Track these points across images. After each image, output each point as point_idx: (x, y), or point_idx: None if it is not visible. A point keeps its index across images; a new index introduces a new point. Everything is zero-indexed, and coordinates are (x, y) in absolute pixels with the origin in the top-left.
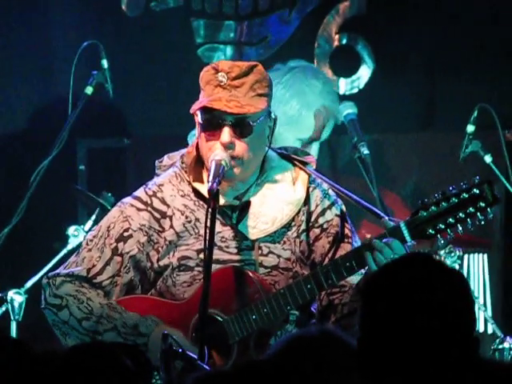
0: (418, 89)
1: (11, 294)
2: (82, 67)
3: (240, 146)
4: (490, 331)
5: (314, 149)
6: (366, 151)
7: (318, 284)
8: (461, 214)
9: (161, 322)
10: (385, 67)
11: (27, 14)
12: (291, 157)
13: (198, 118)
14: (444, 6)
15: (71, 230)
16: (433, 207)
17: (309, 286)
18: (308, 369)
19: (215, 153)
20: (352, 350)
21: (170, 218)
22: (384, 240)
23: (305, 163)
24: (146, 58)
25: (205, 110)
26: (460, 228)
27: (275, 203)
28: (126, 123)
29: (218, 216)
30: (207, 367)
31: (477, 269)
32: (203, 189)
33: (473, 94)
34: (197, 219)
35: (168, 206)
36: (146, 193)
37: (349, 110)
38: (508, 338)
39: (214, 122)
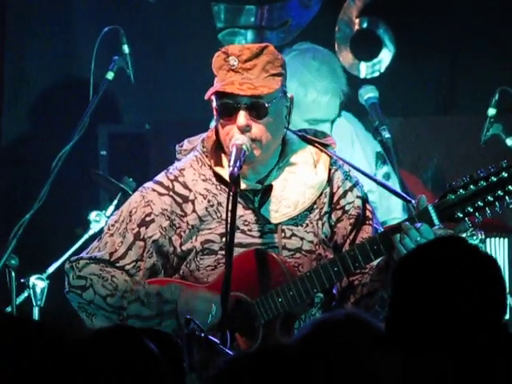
0: (439, 72)
1: (33, 279)
2: (103, 52)
3: (257, 128)
4: (509, 315)
5: (324, 129)
6: (387, 135)
7: (345, 267)
8: (489, 198)
9: (184, 287)
10: (406, 51)
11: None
12: (312, 139)
13: (214, 104)
14: None
15: (93, 215)
16: (461, 190)
17: (336, 269)
18: (334, 352)
19: (236, 137)
20: (377, 333)
21: (193, 202)
22: (412, 224)
23: (325, 145)
24: (167, 44)
25: (219, 95)
26: (488, 211)
27: (297, 187)
28: (146, 108)
29: (240, 200)
30: (230, 352)
31: (498, 253)
32: (224, 173)
33: (494, 76)
34: (219, 203)
35: (190, 190)
36: (168, 177)
37: (370, 93)
38: None
39: (229, 106)
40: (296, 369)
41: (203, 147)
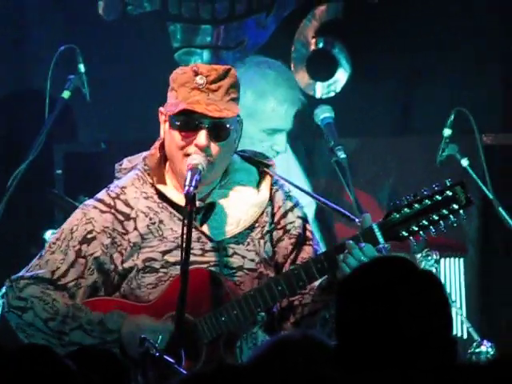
0: (395, 92)
1: None
2: (58, 71)
3: (214, 150)
4: (465, 335)
5: (280, 139)
6: (342, 155)
7: (290, 286)
8: (434, 216)
9: (126, 315)
10: (361, 71)
11: (3, 17)
12: (254, 159)
13: (171, 119)
14: (418, 11)
15: (48, 234)
16: (405, 209)
17: (279, 288)
18: (291, 372)
19: (192, 157)
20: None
21: (134, 219)
22: (357, 243)
23: (267, 165)
24: (123, 63)
25: (182, 111)
26: (433, 230)
27: (239, 205)
28: (102, 127)
29: (181, 217)
30: (184, 371)
31: (453, 273)
32: (167, 190)
33: (449, 97)
34: (161, 221)
35: (132, 208)
36: (109, 195)
37: (325, 113)
38: (485, 341)
39: (191, 124)
40: None
41: (145, 165)
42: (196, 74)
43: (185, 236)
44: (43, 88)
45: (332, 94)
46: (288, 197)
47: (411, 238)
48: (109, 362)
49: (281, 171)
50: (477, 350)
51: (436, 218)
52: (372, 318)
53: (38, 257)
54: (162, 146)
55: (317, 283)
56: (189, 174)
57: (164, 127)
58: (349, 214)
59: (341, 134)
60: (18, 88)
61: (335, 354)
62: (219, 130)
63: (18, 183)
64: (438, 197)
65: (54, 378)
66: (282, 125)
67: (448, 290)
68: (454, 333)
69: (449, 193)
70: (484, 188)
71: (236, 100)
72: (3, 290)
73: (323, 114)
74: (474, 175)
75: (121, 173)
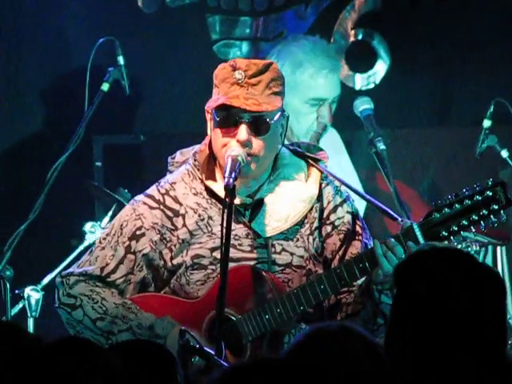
0: (435, 84)
1: (28, 290)
2: (98, 63)
3: (256, 144)
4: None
5: (324, 110)
6: (382, 146)
7: (332, 285)
8: (474, 216)
9: (177, 324)
10: (401, 62)
11: (44, 9)
12: (303, 153)
13: (213, 115)
14: (456, 2)
15: (88, 226)
16: (446, 209)
17: (322, 287)
18: (329, 363)
19: (232, 148)
20: (371, 345)
21: (183, 216)
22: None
23: (317, 160)
24: (162, 55)
25: (222, 107)
26: (473, 229)
27: (288, 200)
28: (141, 120)
29: None
30: (224, 363)
31: (494, 261)
32: (216, 187)
33: (489, 88)
34: (210, 217)
35: (181, 204)
36: (159, 191)
37: (365, 105)
38: None
39: (231, 119)
40: (292, 379)
41: (195, 160)
42: (234, 69)
43: (224, 230)
44: (83, 80)
45: (371, 86)
46: (338, 192)
47: (452, 237)
48: (156, 355)
49: (331, 166)
50: None
51: (476, 218)
52: (432, 301)
53: (88, 252)
54: (211, 143)
55: (360, 282)
56: (228, 165)
57: (210, 125)
58: (392, 213)
59: (380, 126)
60: (58, 80)
61: (386, 346)
62: (259, 124)
63: (57, 175)
64: (478, 197)
65: (95, 372)
66: (324, 93)
67: None
68: None
69: (489, 193)
70: None
71: (279, 94)
72: (44, 281)
73: (362, 105)
74: None
75: (173, 166)
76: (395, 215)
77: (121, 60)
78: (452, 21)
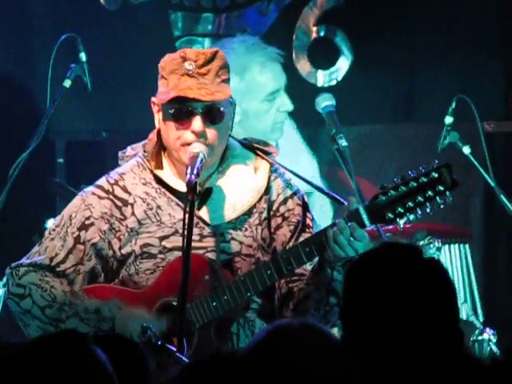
0: (397, 80)
1: None
2: (60, 60)
3: (211, 133)
4: (468, 323)
5: (282, 99)
6: (344, 143)
7: (278, 270)
8: (420, 198)
9: (123, 305)
10: (363, 59)
11: (6, 3)
12: (253, 145)
13: (164, 108)
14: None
15: (50, 223)
16: (392, 191)
17: (269, 272)
18: (290, 359)
19: (193, 145)
20: (332, 341)
21: (132, 205)
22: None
23: (267, 153)
24: (124, 51)
25: (174, 99)
26: (419, 212)
27: (236, 190)
28: (104, 116)
29: (179, 203)
30: (186, 360)
31: (458, 259)
32: (164, 175)
33: (451, 85)
34: (158, 206)
35: (129, 193)
36: (108, 181)
37: (327, 101)
38: (487, 329)
39: (184, 111)
40: (251, 377)
41: (144, 151)
42: (184, 59)
43: (186, 226)
44: (45, 76)
45: (333, 83)
46: (288, 184)
47: (398, 220)
48: (128, 350)
49: (287, 153)
50: (479, 338)
51: (422, 199)
52: (381, 300)
53: (38, 244)
54: (160, 132)
55: (310, 267)
56: (192, 162)
57: (158, 117)
58: (339, 198)
59: (342, 123)
60: (19, 76)
61: (343, 341)
62: (213, 113)
63: (19, 172)
64: (423, 178)
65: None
66: (275, 84)
67: (453, 277)
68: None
69: (434, 174)
70: (486, 175)
71: (227, 81)
72: (5, 279)
73: (324, 102)
74: (476, 163)
75: (123, 160)
76: (342, 200)
77: (83, 57)
78: (416, 17)
